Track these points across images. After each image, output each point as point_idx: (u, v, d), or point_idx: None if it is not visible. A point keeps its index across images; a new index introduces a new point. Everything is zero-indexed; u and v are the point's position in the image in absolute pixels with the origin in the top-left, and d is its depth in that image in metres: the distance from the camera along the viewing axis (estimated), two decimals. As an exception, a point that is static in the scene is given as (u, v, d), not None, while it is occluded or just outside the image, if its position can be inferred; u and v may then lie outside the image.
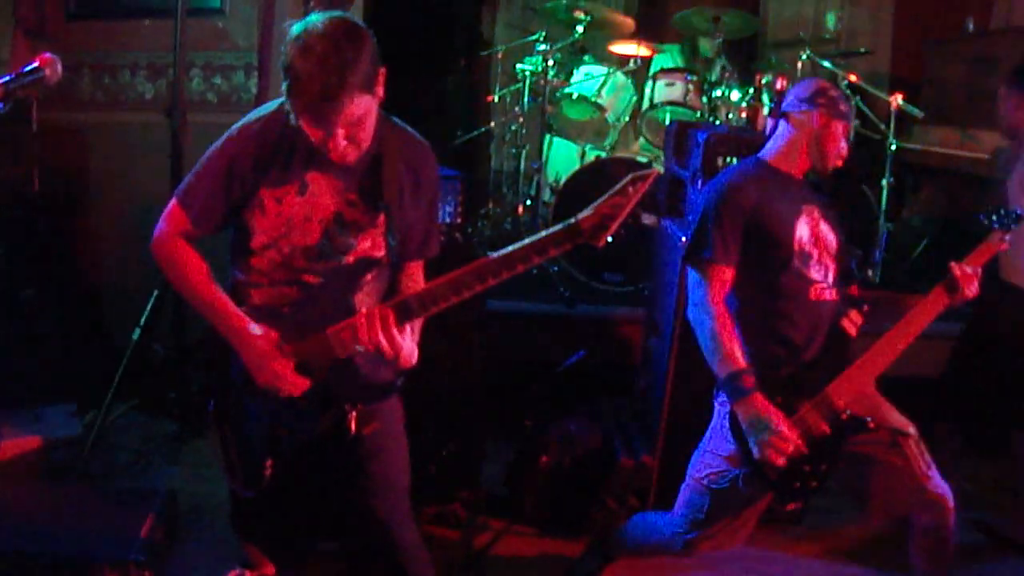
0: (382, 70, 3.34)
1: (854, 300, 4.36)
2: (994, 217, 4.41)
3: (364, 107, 3.27)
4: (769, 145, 4.58)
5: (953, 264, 4.29)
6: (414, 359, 3.48)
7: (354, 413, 3.61)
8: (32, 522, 4.79)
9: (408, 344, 3.43)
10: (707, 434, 4.44)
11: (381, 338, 3.34)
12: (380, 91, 3.36)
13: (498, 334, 6.29)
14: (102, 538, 4.69)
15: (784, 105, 4.53)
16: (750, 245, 4.31)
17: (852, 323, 4.24)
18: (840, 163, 4.46)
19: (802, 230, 4.34)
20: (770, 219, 4.31)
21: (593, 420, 5.94)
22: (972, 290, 4.27)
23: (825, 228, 4.43)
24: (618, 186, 3.25)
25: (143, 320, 6.25)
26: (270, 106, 3.56)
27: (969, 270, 4.29)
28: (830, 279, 4.39)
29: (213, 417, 3.80)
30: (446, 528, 5.44)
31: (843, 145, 4.43)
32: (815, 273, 4.34)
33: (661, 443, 5.60)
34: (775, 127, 4.56)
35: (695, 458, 4.47)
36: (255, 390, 3.53)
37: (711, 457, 4.36)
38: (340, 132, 3.29)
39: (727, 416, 4.20)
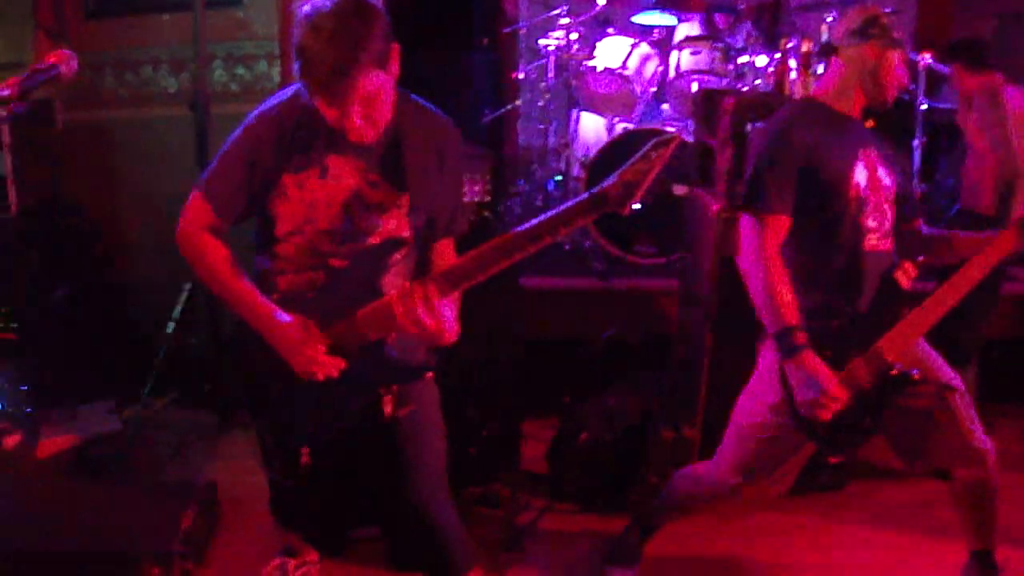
0: (395, 47, 3.31)
1: (910, 250, 4.27)
2: None
3: (378, 84, 3.24)
4: (821, 83, 4.43)
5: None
6: (454, 336, 3.44)
7: (388, 396, 3.59)
8: (73, 519, 4.81)
9: (451, 319, 3.39)
10: (752, 380, 4.36)
11: (422, 313, 3.30)
12: (395, 68, 3.33)
13: (533, 310, 6.28)
14: (143, 532, 4.70)
15: (834, 39, 4.34)
16: (804, 191, 4.13)
17: (905, 275, 4.10)
18: (896, 93, 4.26)
19: (859, 175, 4.17)
20: (826, 163, 4.14)
21: (632, 394, 5.89)
22: None
23: (883, 172, 4.27)
24: (641, 152, 3.18)
25: (176, 314, 6.25)
26: (287, 92, 3.54)
27: None
28: (886, 227, 4.26)
29: (248, 407, 3.79)
30: (488, 508, 5.42)
31: (901, 74, 4.23)
32: (871, 221, 4.19)
33: (701, 414, 5.57)
34: (827, 64, 4.39)
35: (740, 403, 4.39)
36: (288, 378, 3.51)
37: (757, 405, 4.28)
38: (355, 110, 3.26)
39: (776, 365, 4.11)
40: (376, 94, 3.27)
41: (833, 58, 4.32)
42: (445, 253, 3.68)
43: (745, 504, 5.41)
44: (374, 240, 3.55)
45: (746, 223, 4.19)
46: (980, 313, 6.22)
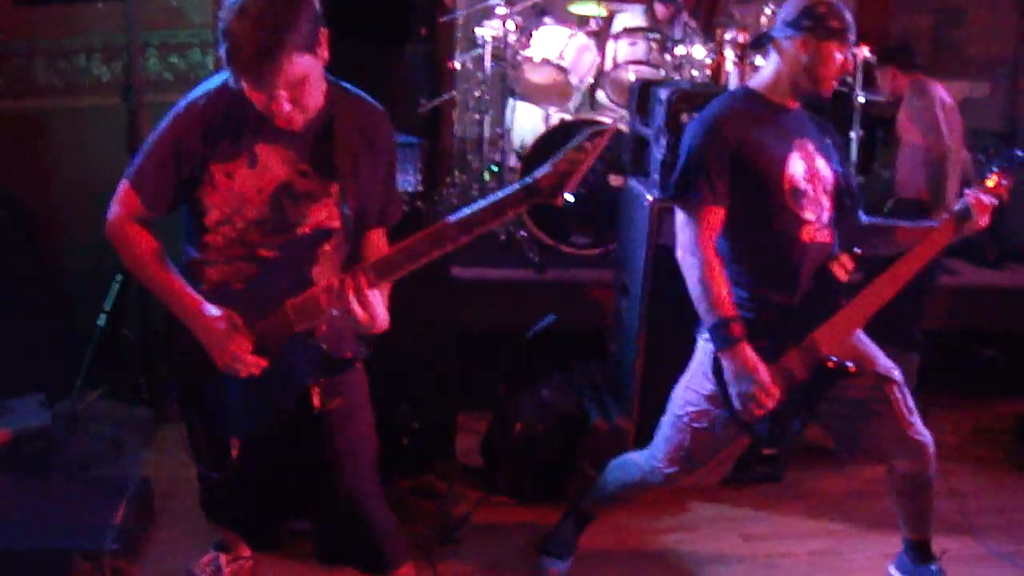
0: (324, 31, 3.29)
1: (848, 242, 4.26)
2: (995, 160, 4.35)
3: (305, 68, 3.22)
4: (758, 74, 4.40)
5: (969, 191, 4.20)
6: (384, 325, 3.41)
7: (316, 388, 3.57)
8: (3, 515, 4.75)
9: (381, 309, 3.36)
10: (689, 370, 4.36)
11: (354, 303, 3.27)
12: (323, 53, 3.31)
13: (466, 301, 6.26)
14: (75, 528, 4.66)
15: (772, 30, 4.31)
16: (739, 183, 4.12)
17: (842, 267, 4.13)
18: (834, 84, 4.22)
19: (794, 166, 4.16)
20: (760, 155, 4.13)
21: (566, 386, 5.90)
22: (985, 220, 4.17)
23: (821, 163, 4.26)
24: (575, 142, 3.15)
25: (108, 305, 6.18)
26: (216, 80, 3.50)
27: (985, 199, 4.17)
28: (824, 218, 4.24)
29: (177, 399, 3.76)
30: (422, 500, 5.38)
31: (838, 66, 4.16)
32: (808, 213, 4.17)
33: (636, 405, 5.58)
34: (766, 55, 4.37)
35: (676, 393, 4.39)
36: (216, 371, 3.47)
37: (692, 394, 4.29)
38: (282, 95, 3.23)
39: (711, 356, 4.11)
40: (303, 78, 3.25)
41: (770, 49, 4.30)
42: (376, 243, 3.66)
43: (681, 495, 5.46)
44: (304, 230, 3.52)
45: (680, 216, 4.19)
46: (916, 302, 6.27)
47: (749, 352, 3.98)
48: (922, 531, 4.61)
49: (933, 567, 4.64)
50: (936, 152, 6.60)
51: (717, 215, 4.13)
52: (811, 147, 4.26)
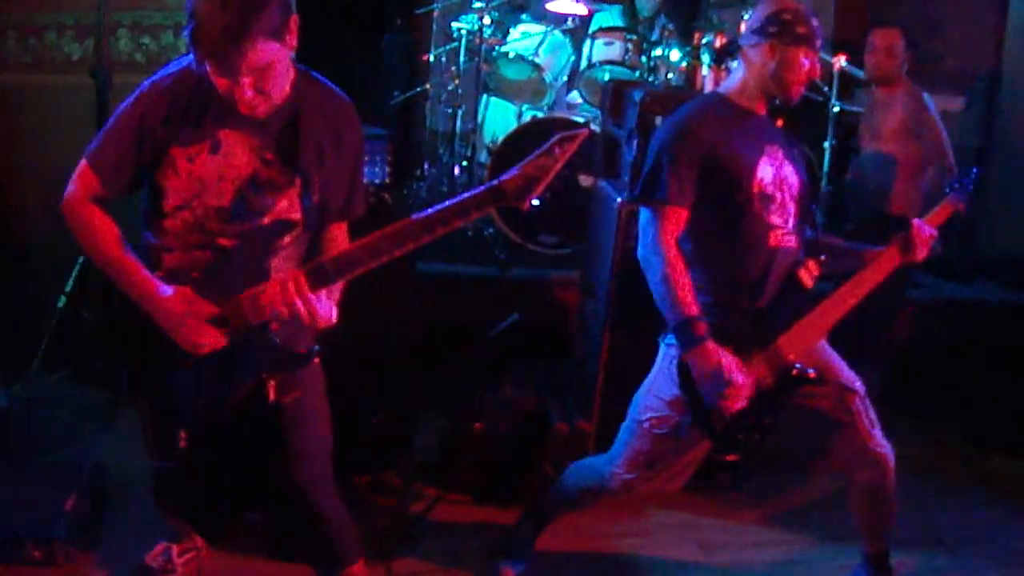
0: (294, 18, 3.26)
1: (813, 249, 4.26)
2: (954, 183, 4.38)
3: (271, 54, 3.19)
4: (729, 79, 4.43)
5: (915, 221, 4.22)
6: (332, 320, 3.38)
7: (272, 382, 3.52)
8: (-46, 500, 4.71)
9: (324, 307, 3.33)
10: (651, 375, 4.33)
11: (296, 302, 3.25)
12: (292, 40, 3.27)
13: (430, 298, 6.23)
14: (25, 514, 4.64)
15: (740, 37, 4.35)
16: (707, 186, 4.12)
17: (808, 273, 4.13)
18: (802, 89, 4.24)
19: (764, 171, 4.17)
20: (729, 158, 4.13)
21: (528, 386, 5.85)
22: (924, 252, 4.23)
23: (789, 170, 4.26)
24: (544, 147, 3.17)
25: (68, 287, 6.13)
26: (182, 62, 3.45)
27: (927, 231, 4.23)
28: (791, 224, 4.24)
29: (128, 387, 3.71)
30: (380, 496, 5.35)
31: (805, 72, 4.18)
32: (776, 218, 4.18)
33: (597, 408, 5.56)
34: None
35: (637, 398, 4.36)
36: (169, 359, 3.43)
37: (654, 400, 4.26)
38: (246, 80, 3.20)
39: (674, 361, 4.09)
40: (269, 65, 3.22)
41: (739, 55, 4.32)
42: (336, 238, 3.64)
43: (640, 501, 5.44)
44: (264, 220, 3.47)
45: (645, 215, 4.19)
46: (888, 314, 6.27)
47: (715, 348, 3.95)
48: (881, 543, 4.59)
49: (890, 581, 4.64)
50: (941, 166, 6.56)
51: (681, 216, 4.13)
52: (780, 153, 4.27)
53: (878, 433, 4.28)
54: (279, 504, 3.91)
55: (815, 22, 4.19)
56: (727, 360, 3.94)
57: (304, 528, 3.86)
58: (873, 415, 4.28)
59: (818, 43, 4.19)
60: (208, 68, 3.20)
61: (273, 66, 3.23)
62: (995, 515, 5.91)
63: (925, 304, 7.38)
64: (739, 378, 3.93)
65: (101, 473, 5.15)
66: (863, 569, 4.68)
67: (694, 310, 3.99)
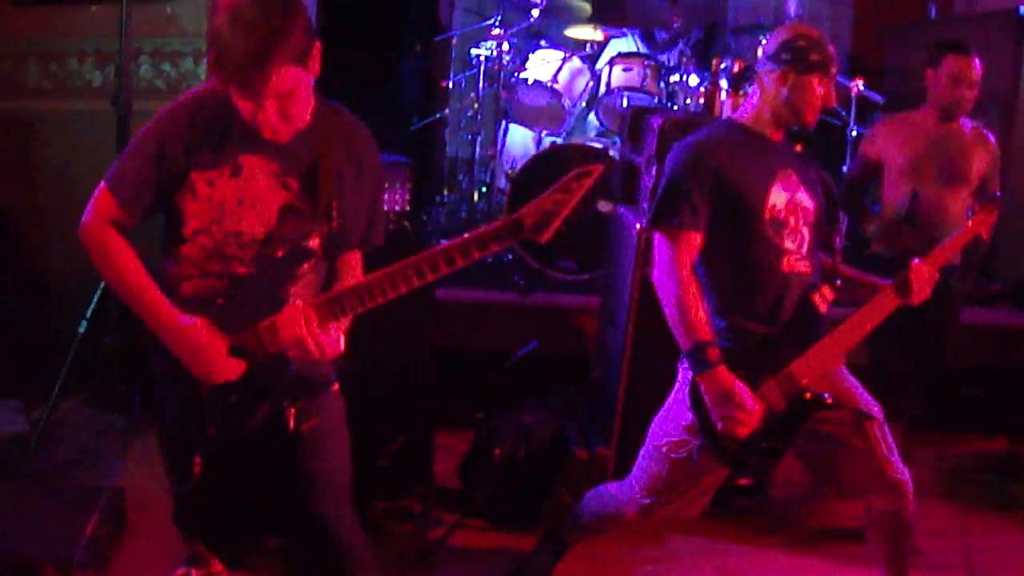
0: (317, 44, 3.28)
1: (828, 274, 4.25)
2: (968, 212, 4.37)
3: (295, 80, 3.21)
4: (744, 105, 4.43)
5: (914, 262, 4.20)
6: (340, 350, 3.40)
7: (292, 410, 3.53)
8: (-26, 522, 4.71)
9: (332, 339, 3.35)
10: (668, 401, 4.33)
11: (305, 337, 3.27)
12: (315, 67, 3.30)
13: (449, 323, 6.23)
14: (45, 537, 4.61)
15: (757, 63, 4.36)
16: (719, 210, 4.12)
17: (823, 298, 4.13)
18: (817, 115, 4.24)
19: (776, 196, 4.17)
20: (741, 183, 4.14)
21: (547, 412, 5.85)
22: (924, 294, 4.21)
23: (803, 195, 4.26)
24: (561, 181, 3.23)
25: (89, 312, 6.15)
26: (205, 86, 3.48)
27: (925, 272, 4.20)
28: (804, 249, 4.23)
29: (153, 412, 3.72)
30: (398, 522, 5.35)
31: (819, 99, 4.19)
32: (789, 243, 4.18)
33: (616, 434, 5.54)
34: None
35: (655, 424, 4.36)
36: (189, 385, 3.44)
37: (671, 425, 4.25)
38: (270, 104, 3.22)
39: (689, 385, 4.10)
40: (293, 91, 3.24)
41: (755, 81, 4.34)
42: (354, 266, 3.64)
43: (659, 527, 5.42)
44: (282, 247, 3.48)
45: (659, 239, 4.19)
46: (938, 349, 6.16)
47: (726, 374, 3.96)
48: (899, 571, 4.57)
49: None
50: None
51: (695, 240, 4.14)
52: (795, 178, 4.27)
53: (896, 459, 4.25)
54: (297, 531, 3.90)
55: (831, 49, 4.20)
56: (739, 387, 3.94)
57: (321, 555, 3.84)
58: (891, 441, 4.26)
59: (833, 70, 4.20)
60: (232, 92, 3.22)
61: (296, 91, 3.25)
62: (1017, 538, 5.92)
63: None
64: (749, 404, 3.93)
65: (120, 497, 5.15)
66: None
67: (707, 335, 4.00)
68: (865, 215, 6.33)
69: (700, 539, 5.55)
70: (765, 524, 5.81)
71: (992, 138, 6.12)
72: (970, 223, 4.45)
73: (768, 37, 4.35)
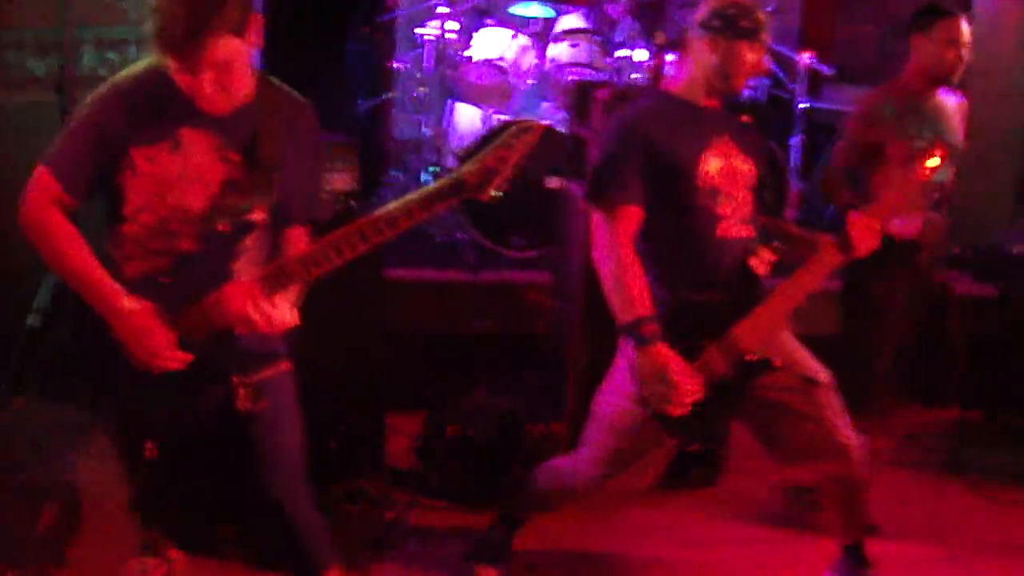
0: (255, 16, 3.28)
1: (768, 236, 4.27)
2: None
3: (233, 51, 3.22)
4: (676, 75, 4.45)
5: (852, 214, 4.20)
6: (291, 323, 3.41)
7: (243, 390, 3.51)
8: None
9: (280, 311, 3.35)
10: (612, 370, 4.33)
11: (250, 310, 3.28)
12: (253, 39, 3.30)
13: (400, 303, 6.21)
14: (-3, 533, 4.58)
15: (688, 31, 4.36)
16: (653, 181, 4.14)
17: (762, 262, 4.14)
18: (746, 82, 4.32)
19: (710, 163, 4.19)
20: (672, 153, 4.16)
21: (500, 389, 5.86)
22: (867, 246, 4.19)
23: (740, 160, 4.28)
24: (502, 138, 3.27)
25: (38, 304, 6.10)
26: (142, 63, 3.47)
27: (865, 223, 4.17)
28: (742, 214, 4.26)
29: (91, 399, 3.70)
30: (354, 504, 5.31)
31: (749, 66, 4.22)
32: (725, 209, 4.20)
33: (569, 409, 5.54)
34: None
35: (600, 395, 4.38)
36: (131, 369, 3.44)
37: (615, 395, 4.26)
38: (207, 76, 3.22)
39: (630, 356, 4.10)
40: (230, 62, 3.24)
41: (687, 50, 4.36)
42: (296, 242, 3.60)
43: (614, 500, 5.42)
44: (225, 221, 3.47)
45: (596, 216, 4.20)
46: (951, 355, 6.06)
47: (664, 351, 3.96)
48: (855, 536, 4.59)
49: (868, 573, 4.62)
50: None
51: (633, 214, 4.15)
52: (730, 144, 4.29)
53: (844, 424, 4.25)
54: (253, 513, 3.88)
55: (761, 15, 4.23)
56: (674, 364, 3.94)
57: (278, 537, 3.84)
58: (839, 406, 4.27)
59: (763, 36, 4.23)
60: (170, 64, 3.21)
61: (235, 63, 3.26)
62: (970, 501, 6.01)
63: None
64: (684, 382, 3.93)
65: (73, 492, 5.11)
66: (842, 562, 4.67)
67: (645, 310, 4.01)
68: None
69: (656, 512, 5.58)
70: (721, 495, 5.84)
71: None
72: (916, 166, 4.39)
73: (700, 6, 4.34)
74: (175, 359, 3.38)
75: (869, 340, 5.66)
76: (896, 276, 5.34)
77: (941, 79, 5.60)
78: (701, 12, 4.27)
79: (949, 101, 5.72)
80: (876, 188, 5.22)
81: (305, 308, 3.51)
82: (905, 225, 5.20)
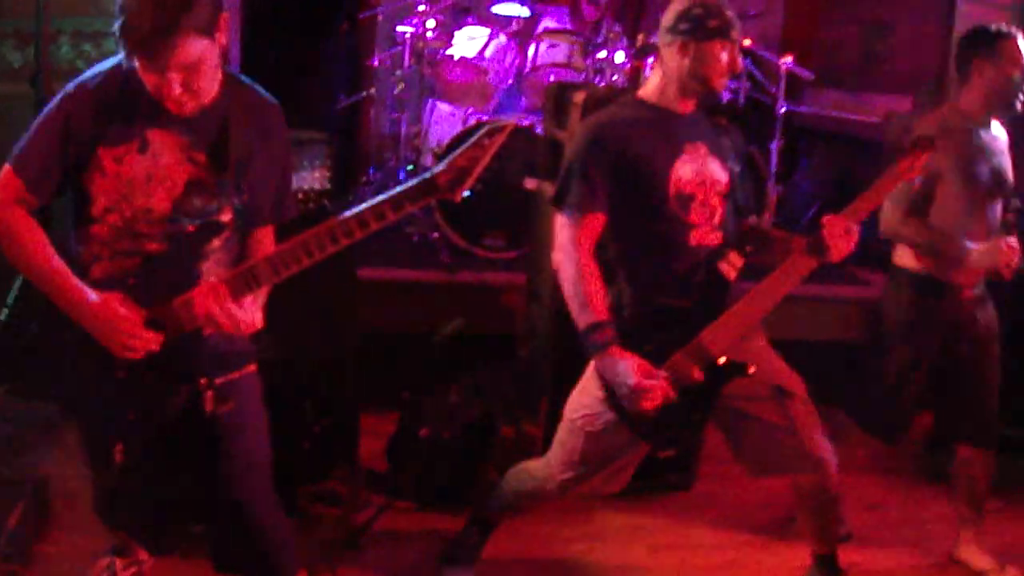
0: (224, 15, 3.26)
1: (739, 241, 4.24)
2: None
3: (200, 51, 3.18)
4: (648, 80, 4.40)
5: (826, 217, 4.15)
6: (257, 325, 3.38)
7: (209, 392, 3.48)
8: None
9: (247, 314, 3.33)
10: (584, 375, 4.32)
11: (216, 312, 3.25)
12: (221, 38, 3.27)
13: (373, 303, 6.18)
14: (-35, 532, 4.55)
15: (657, 37, 4.31)
16: (623, 188, 4.12)
17: (731, 266, 4.11)
18: (724, 81, 4.23)
19: (682, 170, 4.16)
20: (643, 160, 4.13)
21: (474, 391, 5.83)
22: (841, 251, 4.09)
23: (714, 166, 4.25)
24: (473, 138, 3.27)
25: (10, 299, 6.07)
26: (110, 61, 3.43)
27: (840, 226, 4.08)
28: (715, 221, 4.23)
29: (61, 400, 3.68)
30: (324, 506, 5.31)
31: (723, 64, 4.13)
32: (697, 216, 4.17)
33: (544, 412, 5.53)
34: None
35: (571, 398, 4.37)
36: (99, 368, 3.42)
37: (586, 398, 4.25)
38: (175, 77, 3.19)
39: None
40: (198, 62, 3.21)
41: (657, 54, 4.32)
42: (264, 241, 3.60)
43: (587, 504, 5.40)
44: (193, 223, 3.45)
45: (560, 220, 4.19)
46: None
47: (621, 353, 3.95)
48: (828, 545, 4.58)
49: (841, 580, 4.63)
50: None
51: (595, 220, 4.13)
52: (703, 150, 4.26)
53: (818, 435, 4.23)
54: (219, 516, 3.86)
55: (730, 12, 4.16)
56: (631, 366, 3.92)
57: (244, 540, 3.80)
58: (814, 418, 4.25)
59: (734, 33, 4.16)
60: (137, 64, 3.18)
61: (202, 63, 3.22)
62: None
63: (863, 301, 7.24)
64: (642, 382, 3.91)
65: (44, 488, 5.09)
66: (814, 570, 4.66)
67: (601, 315, 4.00)
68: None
69: (629, 516, 5.57)
70: (694, 500, 5.84)
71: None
72: (901, 163, 4.31)
73: (666, 10, 4.29)
74: (150, 339, 3.35)
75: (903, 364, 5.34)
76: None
77: (1008, 105, 5.08)
78: (667, 16, 4.21)
79: (1001, 132, 5.22)
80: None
81: (279, 308, 3.50)
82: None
